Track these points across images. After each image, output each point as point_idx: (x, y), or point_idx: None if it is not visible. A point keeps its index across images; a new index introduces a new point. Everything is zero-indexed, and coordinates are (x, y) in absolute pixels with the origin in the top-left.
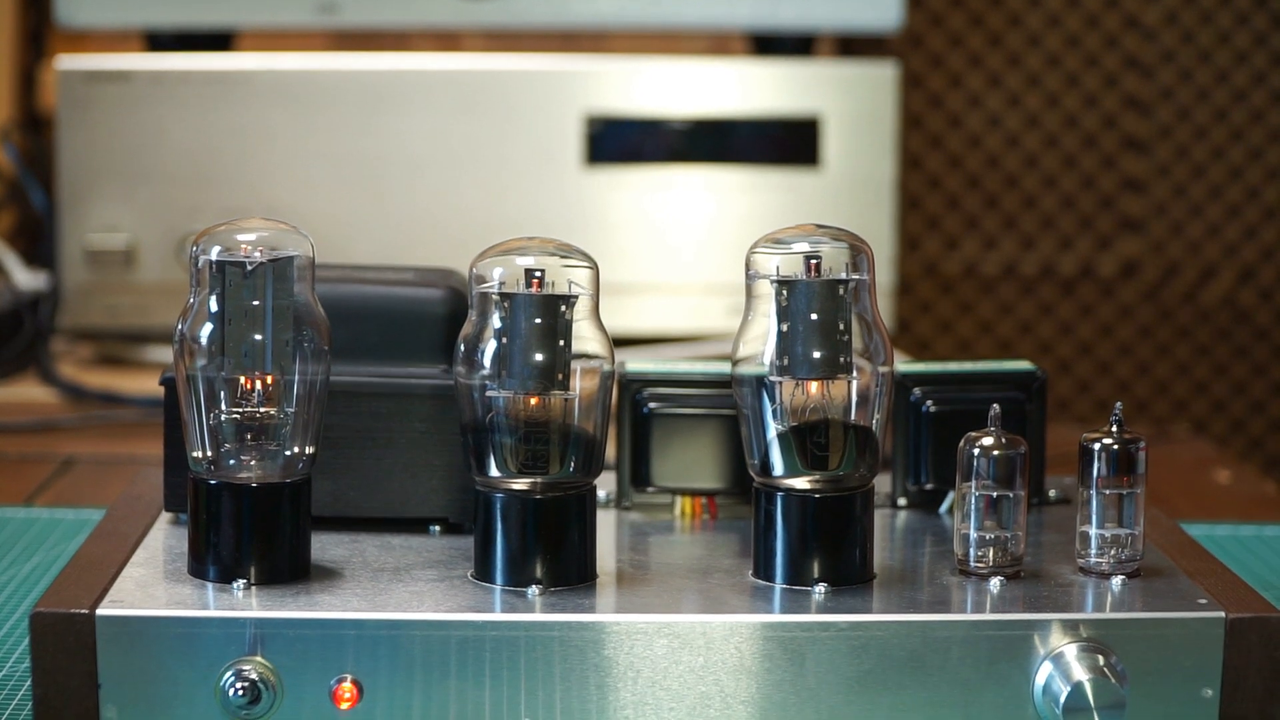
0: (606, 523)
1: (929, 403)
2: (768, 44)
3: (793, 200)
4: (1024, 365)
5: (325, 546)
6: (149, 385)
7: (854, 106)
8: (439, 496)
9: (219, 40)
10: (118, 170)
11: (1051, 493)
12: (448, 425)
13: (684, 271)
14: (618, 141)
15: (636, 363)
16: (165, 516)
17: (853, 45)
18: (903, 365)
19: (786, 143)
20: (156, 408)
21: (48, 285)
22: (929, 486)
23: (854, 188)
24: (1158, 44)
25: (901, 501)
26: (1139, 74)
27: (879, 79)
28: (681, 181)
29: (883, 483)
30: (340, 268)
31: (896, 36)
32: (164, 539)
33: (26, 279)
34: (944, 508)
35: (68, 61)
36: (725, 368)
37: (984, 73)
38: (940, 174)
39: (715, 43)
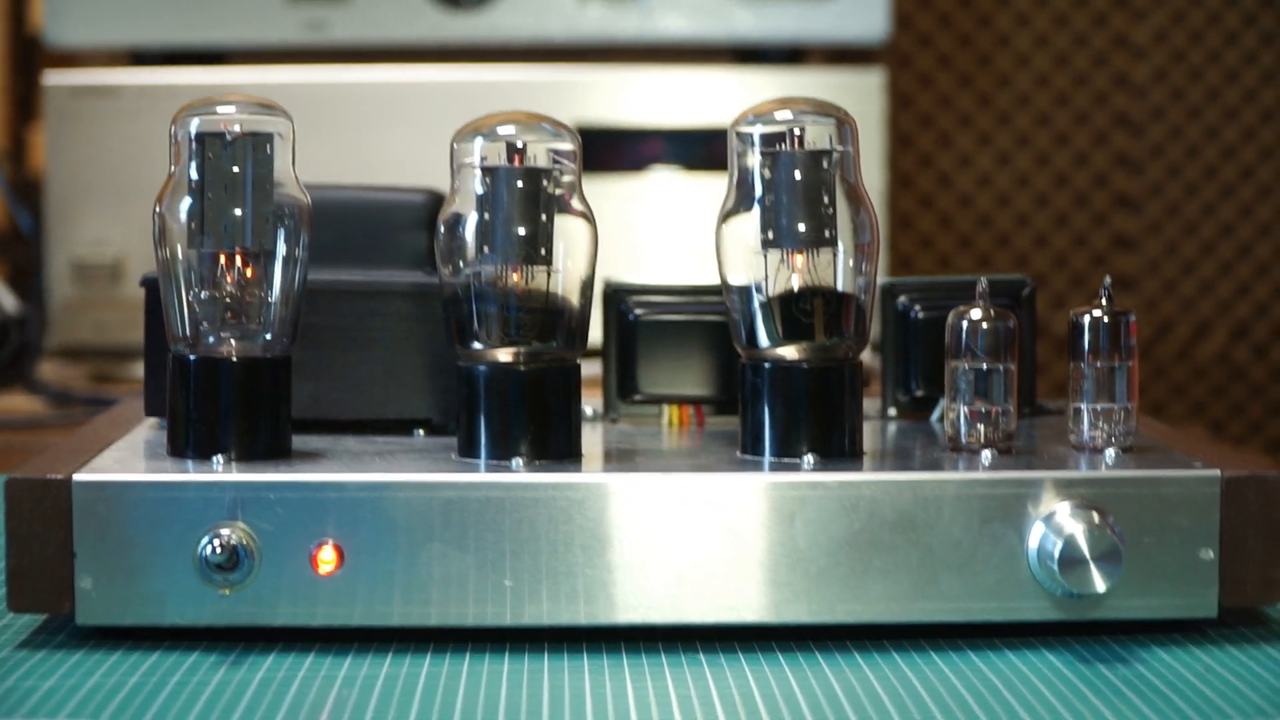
0: (594, 434)
1: (916, 308)
2: (754, 57)
3: None
4: (1013, 276)
5: (305, 441)
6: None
7: None
8: (422, 398)
9: (207, 56)
10: (105, 185)
11: (1043, 403)
12: (430, 324)
13: (673, 280)
14: (607, 151)
15: (622, 276)
16: (148, 423)
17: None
18: (888, 278)
19: None
20: None
21: (33, 312)
22: (919, 394)
23: None
24: (1147, 101)
25: (892, 411)
26: (1129, 131)
27: (866, 86)
28: (671, 190)
29: (873, 399)
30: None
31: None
32: (144, 435)
33: (11, 304)
34: (935, 415)
35: (55, 76)
36: (712, 280)
37: (973, 132)
38: (932, 234)
39: (702, 54)
